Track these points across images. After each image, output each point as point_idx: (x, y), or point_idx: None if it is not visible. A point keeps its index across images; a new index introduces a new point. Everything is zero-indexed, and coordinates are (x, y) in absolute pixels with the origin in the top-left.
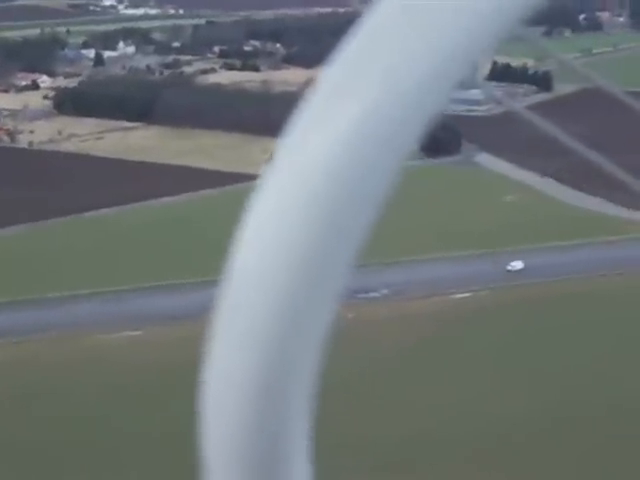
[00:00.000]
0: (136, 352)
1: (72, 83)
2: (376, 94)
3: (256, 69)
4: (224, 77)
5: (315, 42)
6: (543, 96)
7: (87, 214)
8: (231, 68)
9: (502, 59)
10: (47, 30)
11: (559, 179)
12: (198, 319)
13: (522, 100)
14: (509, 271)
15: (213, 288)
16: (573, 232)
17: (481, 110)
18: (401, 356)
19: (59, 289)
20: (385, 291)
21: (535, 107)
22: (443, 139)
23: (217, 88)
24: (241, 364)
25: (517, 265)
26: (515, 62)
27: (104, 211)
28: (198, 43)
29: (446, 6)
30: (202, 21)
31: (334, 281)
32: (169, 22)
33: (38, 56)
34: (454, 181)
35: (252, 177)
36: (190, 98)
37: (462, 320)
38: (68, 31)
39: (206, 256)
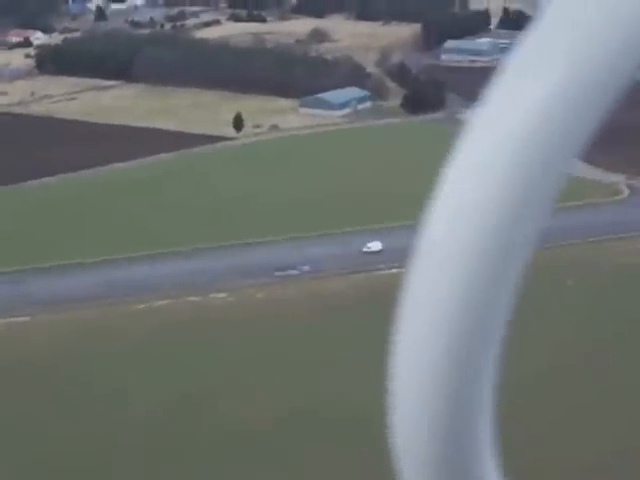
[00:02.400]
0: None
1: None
2: (566, 70)
3: (262, 20)
4: (224, 29)
5: None
6: None
7: (28, 183)
8: (238, 19)
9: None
10: None
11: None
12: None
13: None
14: (365, 252)
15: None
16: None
17: (483, 61)
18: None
19: None
20: (306, 267)
21: None
22: (424, 91)
23: (203, 43)
24: (431, 339)
25: (374, 246)
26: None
27: (45, 180)
28: None
29: None
30: None
31: (526, 249)
32: None
33: (37, 11)
34: (430, 140)
35: (213, 139)
36: (174, 55)
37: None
38: None
39: (119, 233)
